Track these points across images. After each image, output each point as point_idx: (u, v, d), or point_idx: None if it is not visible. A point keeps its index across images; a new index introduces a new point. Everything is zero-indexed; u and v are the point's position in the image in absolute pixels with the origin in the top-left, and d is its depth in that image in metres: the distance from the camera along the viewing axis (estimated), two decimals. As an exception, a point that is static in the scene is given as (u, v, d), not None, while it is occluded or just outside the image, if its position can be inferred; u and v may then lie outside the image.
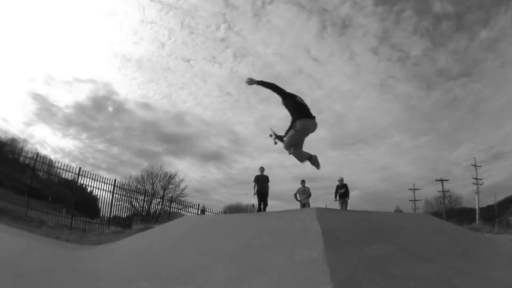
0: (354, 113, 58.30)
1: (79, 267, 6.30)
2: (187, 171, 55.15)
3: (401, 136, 58.69)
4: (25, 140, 15.28)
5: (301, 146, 5.20)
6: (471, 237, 5.69)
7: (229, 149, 54.76)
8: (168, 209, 19.03)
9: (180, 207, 19.05)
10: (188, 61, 57.45)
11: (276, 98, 5.19)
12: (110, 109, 51.26)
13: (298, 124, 5.01)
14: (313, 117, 5.11)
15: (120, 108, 55.18)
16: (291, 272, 2.69)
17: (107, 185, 15.78)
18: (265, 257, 3.35)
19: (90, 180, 15.15)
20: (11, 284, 4.36)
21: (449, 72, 53.65)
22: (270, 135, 5.53)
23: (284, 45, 56.16)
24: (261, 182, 11.72)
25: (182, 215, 17.47)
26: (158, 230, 9.33)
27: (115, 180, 16.33)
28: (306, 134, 5.14)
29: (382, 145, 58.16)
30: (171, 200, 19.52)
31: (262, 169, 12.06)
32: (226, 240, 4.79)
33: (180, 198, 19.72)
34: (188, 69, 57.14)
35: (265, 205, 11.89)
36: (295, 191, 12.76)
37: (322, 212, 4.57)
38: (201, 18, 54.68)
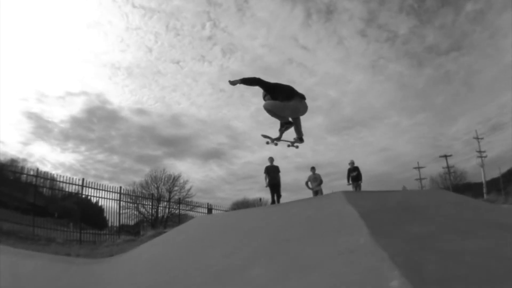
0: (349, 97, 58.57)
1: (94, 282, 5.91)
2: (189, 172, 55.69)
3: (398, 115, 58.86)
4: (24, 160, 14.82)
5: (278, 116, 5.09)
6: (493, 209, 5.52)
7: (229, 145, 55.07)
8: (177, 211, 18.70)
9: (188, 208, 18.58)
10: (178, 62, 57.90)
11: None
12: (95, 120, 51.22)
13: (290, 103, 4.90)
14: (304, 98, 5.00)
15: (115, 117, 55.24)
16: (342, 262, 2.32)
17: (113, 193, 15.37)
18: (304, 250, 2.94)
19: (95, 190, 14.73)
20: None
21: (438, 48, 53.79)
22: (267, 143, 5.34)
23: (271, 37, 56.25)
24: (272, 173, 11.36)
25: (190, 217, 17.08)
26: (172, 234, 8.91)
27: (120, 187, 16.03)
28: (293, 113, 5.05)
29: (380, 126, 58.29)
30: (179, 202, 19.09)
31: (271, 159, 11.64)
32: (252, 236, 4.35)
33: (187, 199, 19.09)
34: (178, 70, 57.55)
35: (279, 196, 11.46)
36: (305, 179, 12.48)
37: (350, 195, 4.26)
38: (185, 19, 54.74)
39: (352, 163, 12.86)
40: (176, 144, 56.32)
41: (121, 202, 15.75)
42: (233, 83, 4.92)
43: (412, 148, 57.43)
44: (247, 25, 54.97)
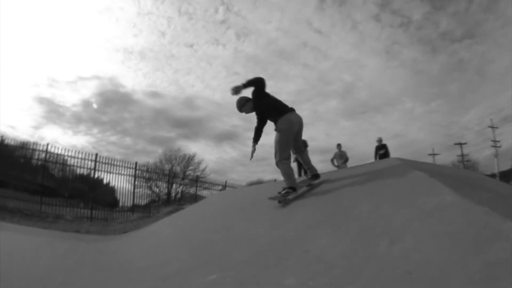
0: (363, 82, 57.04)
1: (105, 260, 5.05)
2: (203, 153, 55.56)
3: (411, 102, 57.60)
4: (35, 143, 13.83)
5: (290, 157, 4.33)
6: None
7: (242, 127, 54.24)
8: (194, 189, 17.60)
9: (205, 186, 17.55)
10: (191, 46, 57.15)
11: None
12: (95, 106, 51.39)
13: (280, 122, 4.15)
14: (293, 110, 4.30)
15: (128, 100, 55.11)
16: (438, 221, 2.01)
17: (128, 169, 14.38)
18: (380, 214, 2.53)
19: (109, 166, 13.77)
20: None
21: (452, 35, 52.00)
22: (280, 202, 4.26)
23: (285, 20, 54.94)
24: None
25: (203, 197, 16.24)
26: (195, 209, 8.15)
27: (136, 163, 15.00)
28: (293, 131, 4.20)
29: (394, 112, 57.30)
30: (197, 179, 18.24)
31: None
32: (306, 205, 3.80)
33: (202, 179, 18.12)
34: (192, 54, 56.87)
35: (306, 173, 10.55)
36: (331, 156, 11.88)
37: (407, 161, 4.10)
38: (198, 3, 54.05)
39: (379, 140, 12.03)
40: (190, 126, 56.07)
41: (137, 178, 14.96)
42: (236, 90, 4.36)
43: (425, 135, 56.37)
44: (260, 8, 53.95)
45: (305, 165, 4.60)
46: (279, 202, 4.18)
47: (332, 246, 2.31)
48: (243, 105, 4.53)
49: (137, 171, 14.84)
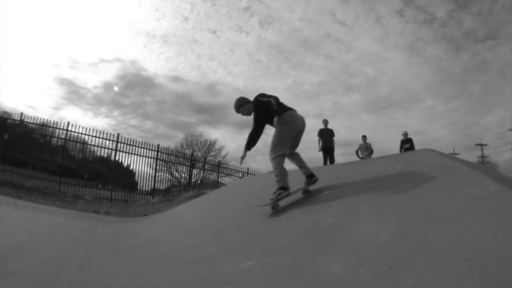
0: (386, 77, 55.68)
1: (126, 242, 4.64)
2: (223, 140, 55.45)
3: (433, 100, 56.06)
4: (56, 122, 13.43)
5: (285, 156, 3.94)
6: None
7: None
8: (215, 175, 17.12)
9: (228, 172, 17.01)
10: (214, 32, 56.75)
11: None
12: (116, 89, 51.75)
13: (285, 116, 3.77)
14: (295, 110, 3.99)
15: (150, 83, 55.42)
16: (489, 210, 1.96)
17: (150, 151, 13.80)
18: (422, 201, 2.46)
19: (131, 147, 13.25)
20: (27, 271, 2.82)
21: (476, 35, 50.17)
22: (273, 208, 3.85)
23: (309, 10, 53.76)
24: (326, 136, 10.46)
25: (222, 184, 15.76)
26: (220, 194, 7.68)
27: (158, 145, 14.28)
28: (297, 128, 3.89)
29: (416, 109, 55.83)
30: (219, 165, 17.48)
31: (325, 121, 10.69)
32: (337, 193, 3.65)
33: (224, 165, 17.57)
34: (215, 40, 56.40)
35: (332, 161, 10.36)
36: (356, 147, 11.40)
37: (438, 153, 3.89)
38: None
39: (405, 134, 11.50)
40: (211, 112, 55.93)
41: (158, 161, 14.51)
42: (243, 158, 4.16)
43: (446, 134, 54.84)
44: (285, -4, 52.93)
45: (298, 164, 4.12)
46: (272, 209, 3.79)
47: (377, 233, 2.22)
48: (241, 106, 4.11)
49: (159, 154, 14.37)
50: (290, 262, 2.21)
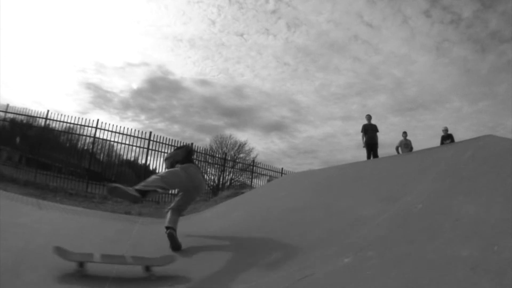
0: (413, 78, 54.29)
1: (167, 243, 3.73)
2: (250, 143, 55.08)
3: (460, 101, 54.30)
4: (82, 127, 12.82)
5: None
6: None
7: (291, 118, 54.18)
8: (245, 176, 16.48)
9: (261, 171, 16.01)
10: (241, 35, 57.07)
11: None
12: (134, 87, 52.90)
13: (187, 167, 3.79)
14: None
15: (177, 87, 57.34)
16: None
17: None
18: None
19: (162, 145, 12.44)
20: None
21: (501, 35, 48.63)
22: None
23: (336, 12, 53.26)
24: (370, 132, 10.21)
25: (253, 187, 14.81)
26: (263, 191, 7.11)
27: (191, 144, 13.08)
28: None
29: (442, 110, 54.11)
30: (253, 164, 16.45)
31: (369, 117, 10.45)
32: (413, 177, 3.52)
33: (258, 165, 16.61)
34: (242, 43, 56.85)
35: (375, 157, 9.81)
36: (396, 143, 11.11)
37: (499, 138, 3.68)
38: None
39: (445, 130, 11.06)
40: (238, 115, 56.01)
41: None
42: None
43: (472, 135, 52.44)
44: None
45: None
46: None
47: (484, 214, 2.05)
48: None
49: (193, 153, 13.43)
50: (400, 253, 1.98)
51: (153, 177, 3.47)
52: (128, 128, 12.61)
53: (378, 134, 10.40)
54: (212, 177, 16.65)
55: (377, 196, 3.37)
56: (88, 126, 11.80)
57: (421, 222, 2.31)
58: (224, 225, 4.75)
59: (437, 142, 11.13)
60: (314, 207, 3.98)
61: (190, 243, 3.65)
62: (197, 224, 5.31)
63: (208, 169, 16.55)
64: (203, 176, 3.94)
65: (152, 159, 12.73)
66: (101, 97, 52.35)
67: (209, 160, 15.90)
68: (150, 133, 12.46)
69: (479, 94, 51.96)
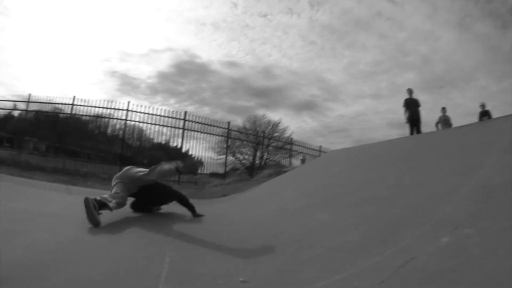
0: (439, 55, 51.95)
1: (220, 226, 3.50)
2: (282, 122, 54.70)
3: (486, 79, 51.56)
4: (110, 114, 12.38)
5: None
6: None
7: (321, 97, 54.34)
8: (280, 156, 15.71)
9: (299, 149, 15.09)
10: (265, 16, 56.67)
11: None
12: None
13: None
14: None
15: (205, 70, 57.47)
16: None
17: (220, 129, 12.52)
18: None
19: (199, 125, 11.98)
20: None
21: None
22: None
23: None
24: (413, 106, 9.78)
25: (284, 166, 13.99)
26: (312, 168, 6.89)
27: (228, 123, 12.89)
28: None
29: (470, 88, 51.80)
30: (291, 142, 15.60)
31: (410, 91, 9.98)
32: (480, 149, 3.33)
33: (296, 143, 15.90)
34: (267, 23, 56.36)
35: (418, 133, 9.45)
36: (436, 119, 10.67)
37: None
38: None
39: (483, 105, 10.29)
40: (269, 95, 55.88)
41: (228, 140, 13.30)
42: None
43: (499, 115, 49.39)
44: (333, -24, 50.63)
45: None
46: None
47: None
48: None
49: (229, 132, 13.04)
50: (499, 229, 1.65)
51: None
52: (161, 109, 12.02)
53: (420, 109, 9.86)
54: (247, 157, 16.04)
55: (446, 170, 3.11)
56: (118, 109, 11.29)
57: (506, 195, 2.08)
58: (280, 205, 4.04)
59: (467, 120, 10.76)
60: (379, 183, 3.64)
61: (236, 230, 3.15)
62: (244, 205, 4.71)
63: (243, 149, 15.95)
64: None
65: (187, 140, 12.07)
66: (128, 84, 53.02)
67: (251, 138, 15.28)
68: (185, 112, 11.90)
69: (503, 71, 48.69)
